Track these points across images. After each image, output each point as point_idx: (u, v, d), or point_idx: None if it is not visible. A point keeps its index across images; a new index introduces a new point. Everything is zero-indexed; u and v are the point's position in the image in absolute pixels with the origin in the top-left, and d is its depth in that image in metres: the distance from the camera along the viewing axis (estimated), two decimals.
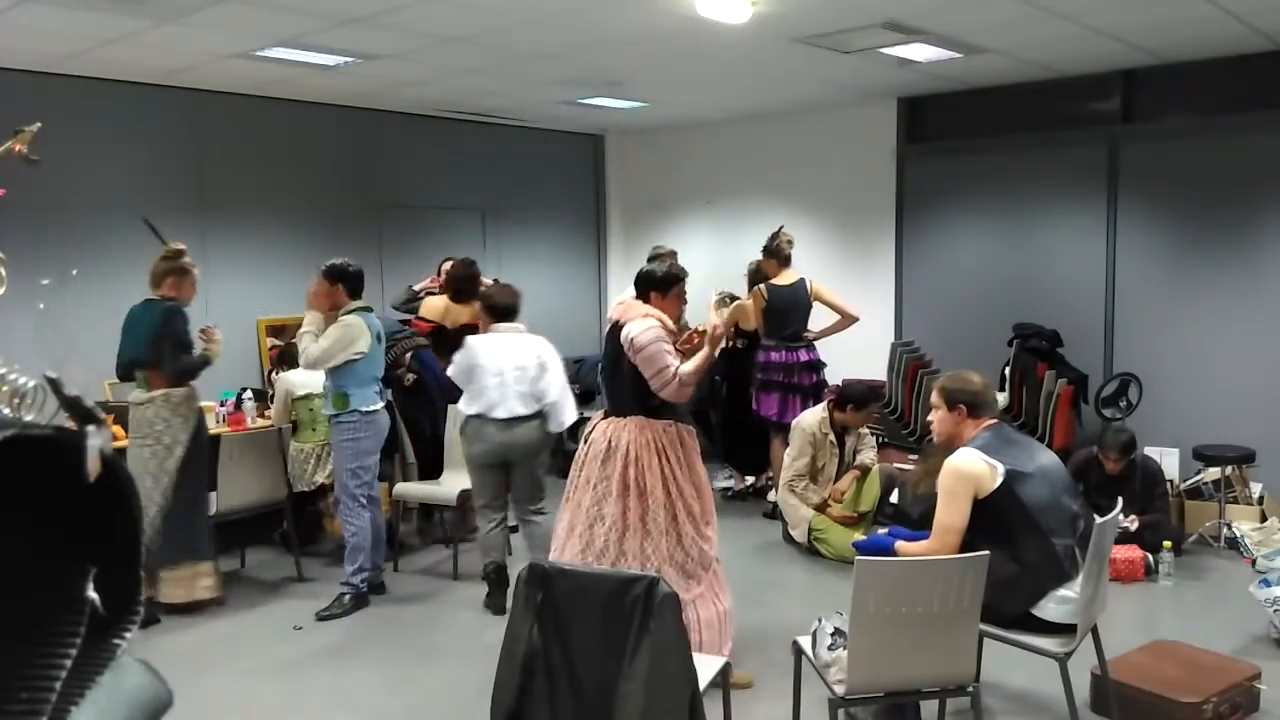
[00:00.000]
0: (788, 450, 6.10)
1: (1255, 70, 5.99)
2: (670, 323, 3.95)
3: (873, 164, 7.62)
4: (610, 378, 4.06)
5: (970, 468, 3.18)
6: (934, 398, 3.43)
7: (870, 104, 7.47)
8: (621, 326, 3.93)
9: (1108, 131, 6.63)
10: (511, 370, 4.80)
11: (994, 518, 3.15)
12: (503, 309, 5.01)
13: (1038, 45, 5.72)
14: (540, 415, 4.85)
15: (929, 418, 3.48)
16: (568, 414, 4.96)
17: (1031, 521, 3.14)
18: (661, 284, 4.00)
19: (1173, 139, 6.44)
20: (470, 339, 4.96)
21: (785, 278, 6.50)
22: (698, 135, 8.65)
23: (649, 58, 5.92)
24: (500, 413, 4.77)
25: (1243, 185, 6.18)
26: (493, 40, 5.39)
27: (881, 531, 4.16)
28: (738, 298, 6.94)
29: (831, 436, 5.92)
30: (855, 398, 5.88)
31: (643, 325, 3.85)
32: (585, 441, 4.04)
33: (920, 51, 5.79)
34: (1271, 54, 5.89)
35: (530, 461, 4.86)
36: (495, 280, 7.06)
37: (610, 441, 3.91)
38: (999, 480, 3.14)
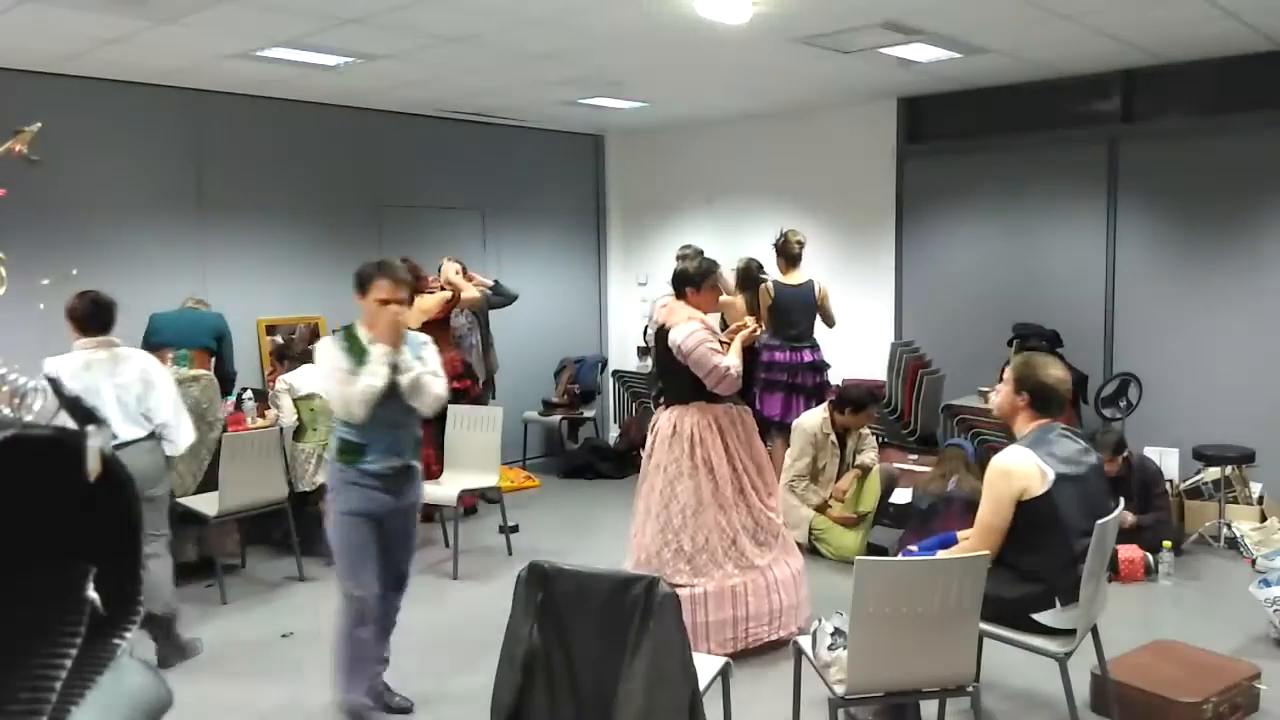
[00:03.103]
0: (789, 450, 6.09)
1: (1255, 70, 5.99)
2: (707, 320, 4.37)
3: (873, 164, 7.61)
4: (665, 373, 4.49)
5: (1018, 468, 3.10)
6: (1007, 372, 3.36)
7: (870, 104, 7.47)
8: (667, 329, 4.32)
9: (1108, 131, 6.63)
10: (111, 389, 4.24)
11: (1029, 523, 3.10)
12: (93, 320, 4.33)
13: (1038, 45, 5.72)
14: (154, 437, 4.35)
15: (997, 387, 3.42)
16: (183, 434, 4.47)
17: (1065, 537, 3.09)
18: (694, 280, 4.39)
19: (1173, 139, 6.44)
20: (53, 361, 4.25)
21: (793, 277, 6.48)
22: (698, 135, 8.65)
23: (649, 58, 5.92)
24: None
25: (1242, 185, 6.17)
26: (493, 40, 5.38)
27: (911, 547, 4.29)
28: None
29: (833, 437, 5.93)
30: (854, 400, 5.88)
31: (686, 330, 4.24)
32: (651, 431, 4.49)
33: (920, 51, 5.79)
34: (1271, 54, 5.89)
35: (150, 489, 4.26)
36: (496, 281, 7.11)
37: (675, 426, 4.33)
38: (1046, 487, 3.07)
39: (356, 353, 3.57)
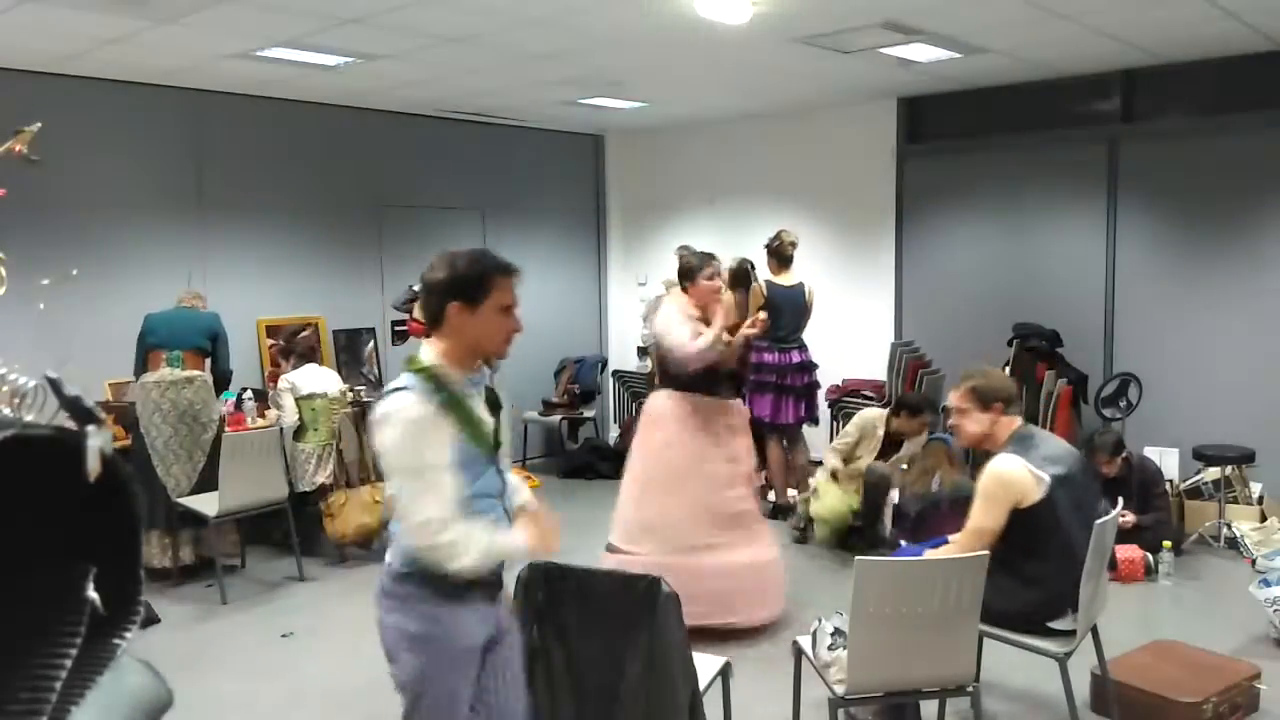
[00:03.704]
0: (844, 429, 6.27)
1: (1255, 70, 5.99)
2: (691, 308, 4.50)
3: (873, 164, 7.61)
4: (660, 365, 4.85)
5: (1016, 477, 3.11)
6: (962, 400, 3.30)
7: (870, 104, 7.46)
8: None
9: (1108, 131, 6.63)
10: None
11: (1029, 530, 3.09)
12: None
13: (1038, 45, 5.72)
14: None
15: (954, 421, 3.39)
16: None
17: (1067, 539, 3.09)
18: (687, 274, 4.59)
19: (1173, 139, 6.44)
20: None
21: (785, 278, 6.50)
22: (698, 135, 8.64)
23: (649, 58, 5.92)
24: None
25: (1242, 185, 6.17)
26: (493, 40, 5.38)
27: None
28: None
29: (880, 432, 6.00)
30: (910, 404, 5.93)
31: (662, 315, 4.58)
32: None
33: (920, 51, 5.79)
34: (1271, 54, 5.89)
35: None
36: None
37: (649, 410, 4.68)
38: (1042, 493, 3.08)
39: None
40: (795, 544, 6.01)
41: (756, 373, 6.48)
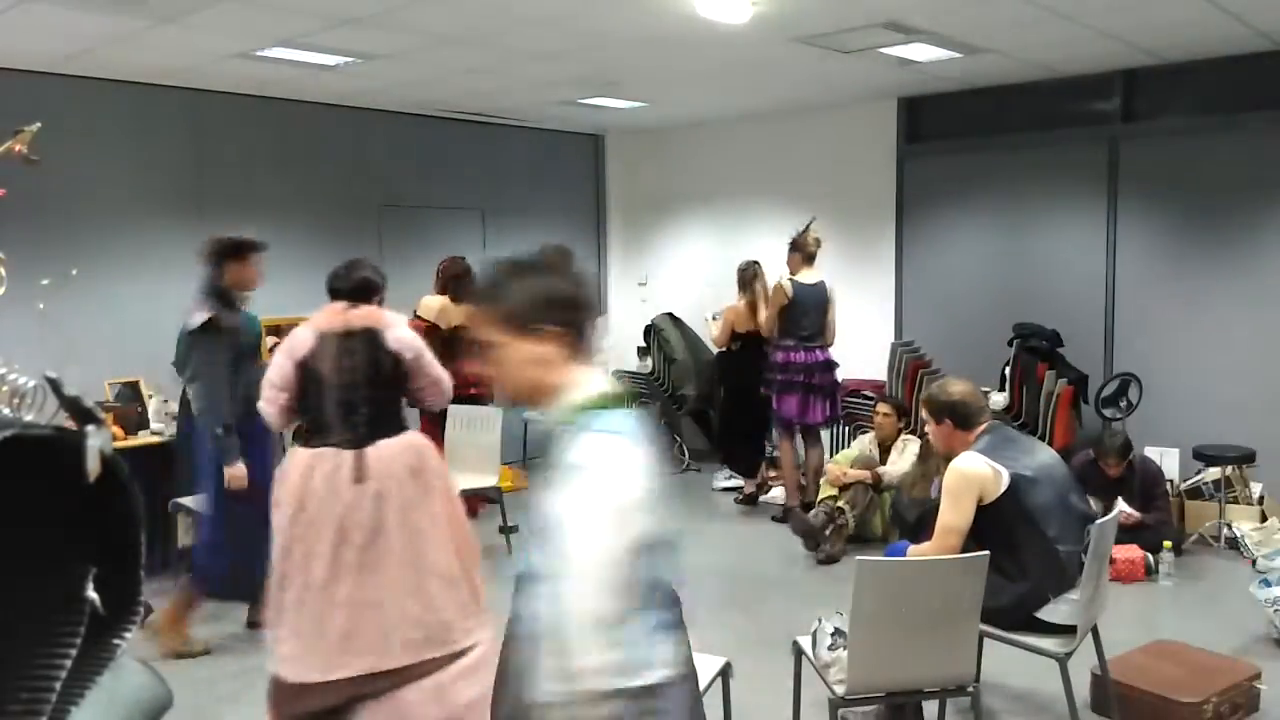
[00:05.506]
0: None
1: (1255, 70, 5.99)
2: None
3: (873, 164, 7.61)
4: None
5: (974, 471, 3.18)
6: (923, 412, 3.48)
7: (870, 104, 7.46)
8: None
9: (1108, 131, 6.63)
10: None
11: (999, 524, 3.14)
12: None
13: (1038, 45, 5.72)
14: None
15: (926, 430, 3.53)
16: None
17: (1036, 528, 3.13)
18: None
19: (1173, 139, 6.44)
20: None
21: (807, 275, 6.45)
22: (698, 135, 8.65)
23: (649, 58, 5.92)
24: None
25: (1243, 185, 6.17)
26: (493, 40, 5.38)
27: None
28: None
29: (876, 453, 6.17)
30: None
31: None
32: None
33: (920, 51, 5.79)
34: (1271, 54, 5.89)
35: None
36: None
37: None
38: (1004, 485, 3.13)
39: None
40: (808, 551, 5.80)
41: (784, 372, 6.43)
